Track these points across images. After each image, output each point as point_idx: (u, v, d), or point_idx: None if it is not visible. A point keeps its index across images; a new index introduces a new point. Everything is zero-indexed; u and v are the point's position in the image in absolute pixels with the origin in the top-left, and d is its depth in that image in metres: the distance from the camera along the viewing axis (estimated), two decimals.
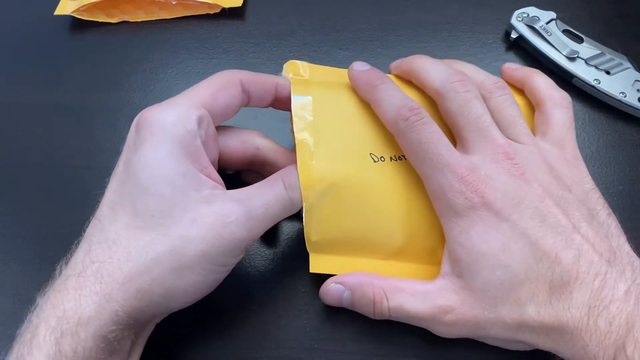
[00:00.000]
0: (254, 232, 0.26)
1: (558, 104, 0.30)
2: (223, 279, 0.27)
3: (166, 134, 0.25)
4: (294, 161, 0.30)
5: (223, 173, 0.34)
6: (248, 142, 0.30)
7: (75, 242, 0.26)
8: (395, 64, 0.33)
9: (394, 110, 0.28)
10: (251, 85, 0.29)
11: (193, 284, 0.25)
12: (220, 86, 0.28)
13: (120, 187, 0.26)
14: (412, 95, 0.31)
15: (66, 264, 0.25)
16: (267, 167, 0.30)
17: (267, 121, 0.37)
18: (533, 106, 0.32)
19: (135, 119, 0.26)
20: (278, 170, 0.30)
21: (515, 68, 0.34)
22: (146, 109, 0.26)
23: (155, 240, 0.24)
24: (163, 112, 0.26)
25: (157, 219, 0.24)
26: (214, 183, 0.26)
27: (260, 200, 0.26)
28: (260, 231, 0.26)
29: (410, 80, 0.32)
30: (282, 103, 0.30)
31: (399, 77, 0.33)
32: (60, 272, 0.25)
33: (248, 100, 0.29)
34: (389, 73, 0.33)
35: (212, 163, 0.28)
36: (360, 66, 0.30)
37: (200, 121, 0.26)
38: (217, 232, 0.24)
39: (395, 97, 0.28)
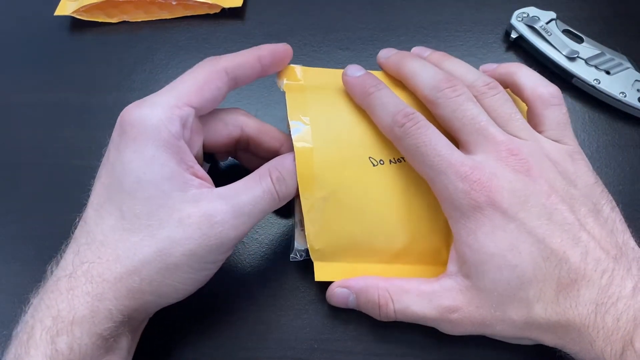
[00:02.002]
0: (241, 229, 0.26)
1: (548, 103, 0.29)
2: (213, 274, 0.27)
3: (149, 137, 0.25)
4: (278, 139, 0.30)
5: (216, 167, 0.34)
6: (231, 123, 0.30)
7: (65, 242, 0.26)
8: (383, 60, 0.32)
9: (389, 118, 0.28)
10: (236, 71, 0.28)
11: (182, 282, 0.25)
12: (206, 80, 0.27)
13: (104, 191, 0.26)
14: (408, 95, 0.31)
15: (57, 264, 0.25)
16: (252, 146, 0.30)
17: (267, 121, 0.36)
18: None
19: (118, 120, 0.26)
20: (263, 148, 0.30)
21: (492, 69, 0.32)
22: (127, 109, 0.26)
23: (143, 241, 0.24)
24: (145, 114, 0.25)
25: (144, 221, 0.24)
26: (200, 181, 0.26)
27: (247, 197, 0.26)
28: (248, 227, 0.26)
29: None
30: (267, 71, 0.30)
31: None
32: (52, 273, 0.25)
33: (235, 84, 0.29)
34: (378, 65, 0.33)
35: (197, 154, 0.28)
36: (353, 71, 0.30)
37: (184, 122, 0.26)
38: (204, 232, 0.24)
39: (390, 103, 0.28)
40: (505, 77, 0.31)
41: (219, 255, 0.26)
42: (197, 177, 0.26)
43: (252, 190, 0.26)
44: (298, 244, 0.29)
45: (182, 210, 0.24)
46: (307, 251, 0.29)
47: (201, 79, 0.27)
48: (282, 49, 0.30)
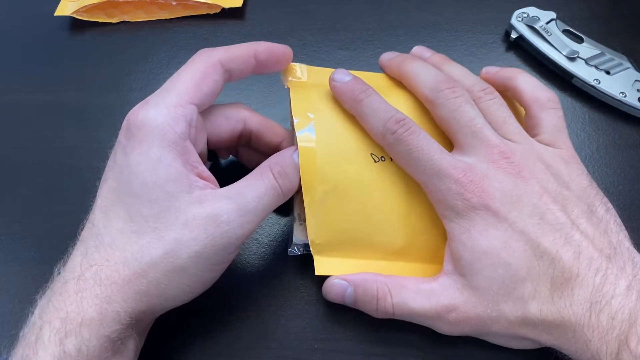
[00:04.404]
0: (247, 227, 0.26)
1: (545, 106, 0.30)
2: (219, 276, 0.27)
3: (155, 139, 0.25)
4: (279, 134, 0.31)
5: (216, 165, 0.34)
6: (234, 117, 0.30)
7: (71, 243, 0.26)
8: (385, 62, 0.33)
9: (381, 125, 0.28)
10: (231, 64, 0.28)
11: (188, 284, 0.25)
12: (203, 74, 0.27)
13: (112, 194, 0.26)
14: (402, 96, 0.31)
15: (63, 266, 0.25)
16: (254, 141, 0.31)
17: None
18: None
19: (124, 122, 0.26)
20: (264, 143, 0.30)
21: (494, 72, 0.32)
22: (133, 111, 0.26)
23: (150, 244, 0.24)
24: (151, 116, 0.25)
25: (151, 224, 0.24)
26: (204, 182, 0.26)
27: (251, 194, 0.26)
28: (254, 225, 0.26)
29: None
30: (263, 68, 0.30)
31: (389, 76, 0.33)
32: (59, 274, 0.25)
33: (230, 77, 0.29)
34: (380, 68, 0.34)
35: (202, 152, 0.28)
36: (341, 76, 0.30)
37: (189, 121, 0.26)
38: (210, 233, 0.24)
39: (380, 110, 0.28)
40: (506, 81, 0.32)
41: (225, 256, 0.26)
42: (202, 177, 0.26)
43: (256, 188, 0.26)
44: (297, 238, 0.29)
45: (188, 212, 0.24)
46: (305, 245, 0.29)
47: (198, 74, 0.27)
48: (282, 49, 0.30)
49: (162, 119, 0.25)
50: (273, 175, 0.27)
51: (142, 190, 0.25)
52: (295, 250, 0.30)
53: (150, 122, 0.25)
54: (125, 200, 0.25)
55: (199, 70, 0.27)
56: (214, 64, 0.27)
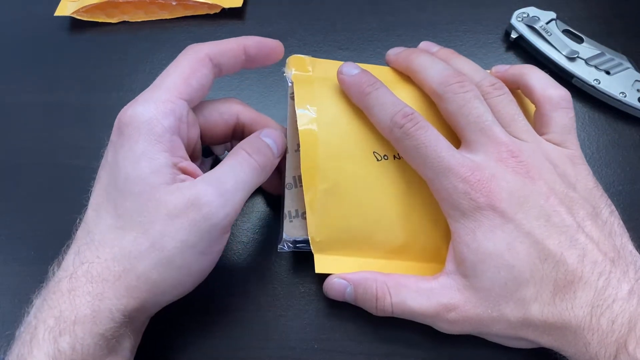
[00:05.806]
0: (229, 206, 0.25)
1: (556, 105, 0.29)
2: (209, 269, 0.27)
3: (142, 133, 0.25)
4: (271, 126, 0.30)
5: (216, 163, 0.34)
6: (227, 112, 0.30)
7: (66, 244, 0.26)
8: (392, 57, 0.33)
9: (388, 118, 0.28)
10: (220, 58, 0.28)
11: (177, 277, 0.25)
12: (192, 69, 0.27)
13: (102, 191, 0.26)
14: (410, 91, 0.31)
15: (58, 265, 0.25)
16: (247, 134, 0.30)
17: None
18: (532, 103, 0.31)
19: (115, 121, 0.26)
20: None
21: (505, 69, 0.32)
22: (123, 109, 0.26)
23: (137, 239, 0.24)
24: (139, 111, 0.25)
25: (136, 218, 0.24)
26: (187, 177, 0.26)
27: (227, 174, 0.26)
28: (237, 204, 0.26)
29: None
30: (253, 62, 0.30)
31: (396, 70, 0.33)
32: (53, 274, 0.25)
33: (219, 72, 0.29)
34: (386, 63, 0.33)
35: (195, 147, 0.28)
36: (349, 69, 0.30)
37: (178, 116, 0.26)
38: (192, 218, 0.24)
39: (388, 104, 0.28)
40: (517, 78, 0.31)
41: (211, 242, 0.26)
42: (186, 172, 0.26)
43: (230, 167, 0.26)
44: (286, 235, 0.29)
45: (169, 203, 0.24)
46: (294, 242, 0.29)
47: (187, 69, 0.27)
48: (272, 44, 0.30)
49: (150, 114, 0.25)
50: (246, 152, 0.27)
51: (126, 184, 0.25)
52: (284, 247, 0.30)
53: (138, 118, 0.25)
54: (113, 196, 0.25)
55: (187, 66, 0.27)
56: (202, 58, 0.27)
